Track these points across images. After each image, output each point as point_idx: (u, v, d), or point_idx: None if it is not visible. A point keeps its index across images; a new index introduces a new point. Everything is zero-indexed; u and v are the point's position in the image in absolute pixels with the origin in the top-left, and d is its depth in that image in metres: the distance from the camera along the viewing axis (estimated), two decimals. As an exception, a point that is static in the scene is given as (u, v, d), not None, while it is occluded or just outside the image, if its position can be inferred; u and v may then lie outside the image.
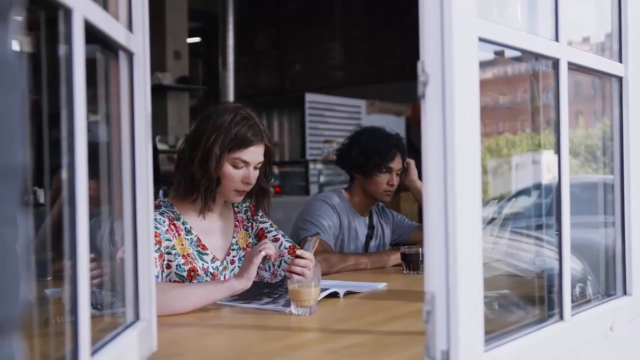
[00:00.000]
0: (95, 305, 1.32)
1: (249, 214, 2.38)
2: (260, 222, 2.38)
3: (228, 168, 2.16)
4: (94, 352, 1.07)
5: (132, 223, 1.35)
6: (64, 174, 0.98)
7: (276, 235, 2.35)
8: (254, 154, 2.18)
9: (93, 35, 1.09)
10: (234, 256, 2.29)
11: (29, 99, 0.62)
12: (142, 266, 1.36)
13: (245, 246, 2.33)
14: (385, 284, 2.35)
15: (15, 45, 0.60)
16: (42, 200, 1.24)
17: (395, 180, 2.98)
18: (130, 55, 1.32)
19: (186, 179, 2.17)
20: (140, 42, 1.36)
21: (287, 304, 1.90)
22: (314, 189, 7.19)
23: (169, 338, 1.57)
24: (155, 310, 1.41)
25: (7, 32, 0.58)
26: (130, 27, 1.33)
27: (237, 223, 2.34)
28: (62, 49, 0.99)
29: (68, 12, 0.97)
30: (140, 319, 1.36)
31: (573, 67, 1.56)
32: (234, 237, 2.31)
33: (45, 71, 1.03)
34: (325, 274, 2.63)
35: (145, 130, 1.36)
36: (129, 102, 1.33)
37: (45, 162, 1.04)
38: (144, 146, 1.36)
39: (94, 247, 1.06)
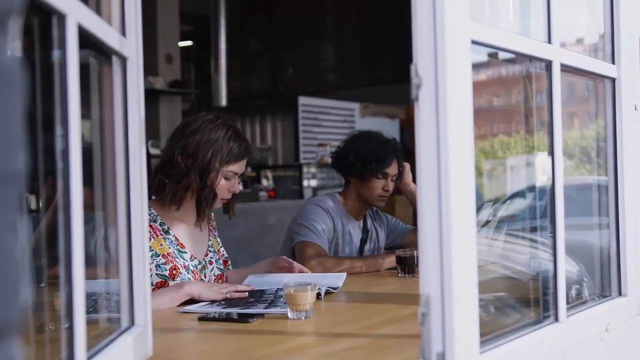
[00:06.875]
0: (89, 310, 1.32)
1: (214, 224, 2.50)
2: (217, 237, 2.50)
3: (221, 180, 2.26)
4: (89, 358, 1.07)
5: (126, 229, 1.34)
6: (59, 180, 0.97)
7: (212, 258, 2.43)
8: (244, 166, 2.32)
9: (86, 40, 1.09)
10: (211, 257, 2.39)
11: (27, 104, 0.62)
12: (137, 272, 1.36)
13: (217, 250, 2.44)
14: (344, 274, 2.40)
15: (14, 52, 0.60)
16: (33, 206, 1.24)
17: (391, 186, 2.98)
18: (123, 60, 1.32)
19: (181, 189, 2.23)
20: (134, 46, 1.35)
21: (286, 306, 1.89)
22: (307, 192, 7.18)
23: (164, 343, 1.57)
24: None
25: (6, 39, 0.58)
26: (123, 31, 1.32)
27: (211, 228, 2.45)
28: (55, 54, 0.98)
29: (62, 18, 0.97)
30: (135, 324, 1.35)
31: (566, 68, 1.57)
32: (209, 240, 2.42)
33: (38, 76, 1.03)
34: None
35: (138, 135, 1.36)
36: (122, 107, 1.33)
37: (38, 168, 1.04)
38: (137, 151, 1.35)
39: (87, 254, 1.05)
